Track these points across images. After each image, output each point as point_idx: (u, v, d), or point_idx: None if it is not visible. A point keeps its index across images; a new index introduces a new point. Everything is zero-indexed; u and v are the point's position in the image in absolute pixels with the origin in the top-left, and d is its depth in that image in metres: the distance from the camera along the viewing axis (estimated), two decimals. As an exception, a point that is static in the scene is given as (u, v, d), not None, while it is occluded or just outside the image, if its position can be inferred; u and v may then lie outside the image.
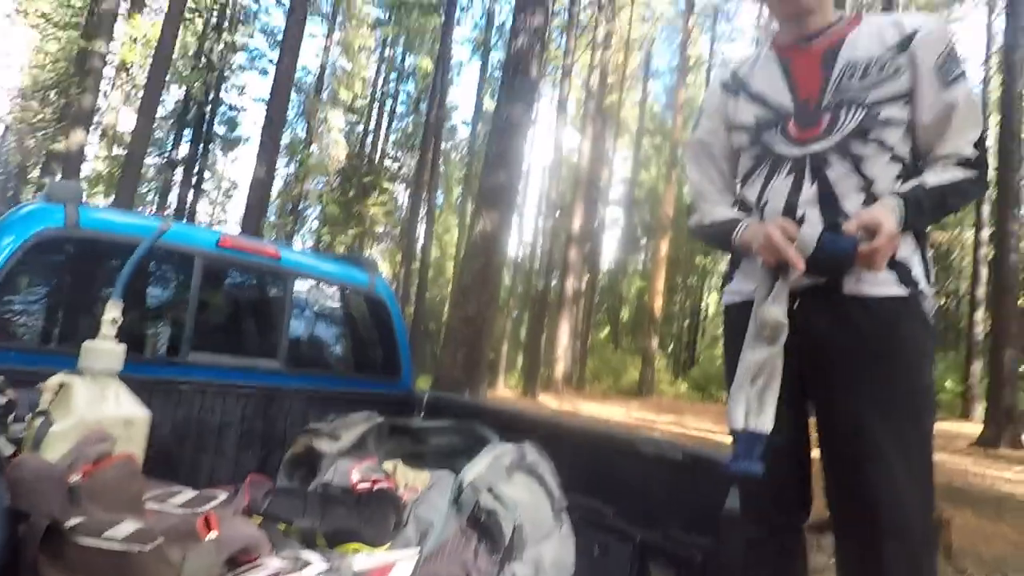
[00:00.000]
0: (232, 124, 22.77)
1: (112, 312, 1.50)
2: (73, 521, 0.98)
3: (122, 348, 1.49)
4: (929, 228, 1.26)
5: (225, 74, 20.38)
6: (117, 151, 17.75)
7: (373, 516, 1.19)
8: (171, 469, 1.57)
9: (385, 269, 26.86)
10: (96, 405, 1.40)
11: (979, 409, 13.71)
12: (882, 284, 1.13)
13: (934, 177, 1.14)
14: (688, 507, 1.52)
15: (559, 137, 18.57)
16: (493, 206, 7.88)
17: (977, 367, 15.55)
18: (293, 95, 16.97)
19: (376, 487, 1.27)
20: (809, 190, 1.19)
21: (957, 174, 1.14)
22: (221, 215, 29.45)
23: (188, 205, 21.76)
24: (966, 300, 19.96)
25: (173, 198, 22.77)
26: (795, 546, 1.25)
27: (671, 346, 26.06)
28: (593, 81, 18.61)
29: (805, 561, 1.25)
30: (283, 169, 23.70)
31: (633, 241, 29.97)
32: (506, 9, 19.61)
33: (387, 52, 25.05)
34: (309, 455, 1.48)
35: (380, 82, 25.83)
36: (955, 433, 13.22)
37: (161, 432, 1.56)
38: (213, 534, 1.09)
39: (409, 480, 1.29)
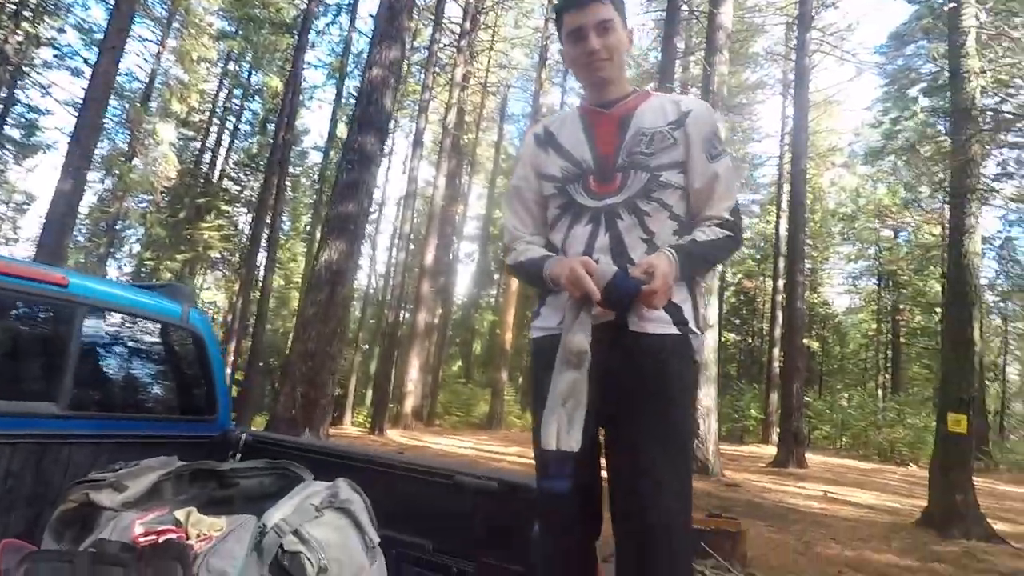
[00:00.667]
0: (31, 128, 19.66)
1: None
2: None
3: None
4: (702, 279, 1.49)
5: (24, 70, 17.63)
6: None
7: (155, 571, 1.09)
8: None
9: (220, 299, 24.60)
10: None
11: (775, 434, 15.76)
12: (659, 323, 1.32)
13: (702, 235, 1.38)
14: (503, 534, 1.59)
15: (414, 171, 18.64)
16: (340, 236, 7.67)
17: (775, 398, 17.91)
18: (113, 101, 15.19)
19: (162, 539, 1.16)
20: (603, 238, 1.37)
21: (719, 233, 1.39)
22: (10, 232, 25.10)
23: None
24: (767, 340, 23.14)
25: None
26: (590, 558, 1.37)
27: (520, 379, 26.89)
28: (450, 119, 19.09)
29: (595, 568, 1.38)
30: (97, 184, 20.94)
31: (486, 275, 30.72)
32: (365, 39, 19.47)
33: (231, 66, 23.51)
34: (84, 510, 1.29)
35: (222, 97, 24.11)
36: (757, 455, 15.14)
37: None
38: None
39: (203, 528, 1.19)
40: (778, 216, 21.48)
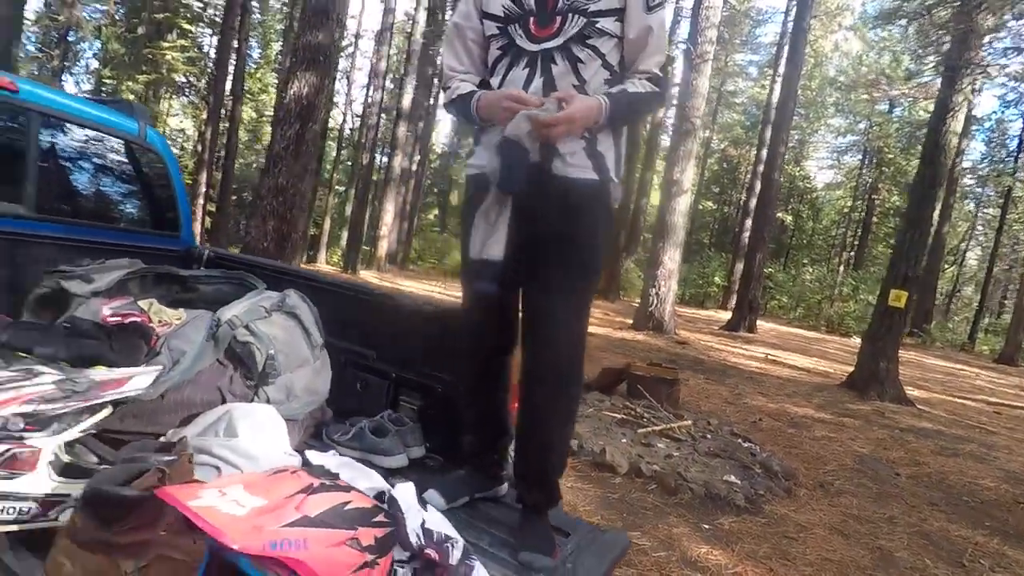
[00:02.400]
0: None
1: None
2: None
3: None
4: (627, 130, 1.57)
5: None
6: None
7: (123, 347, 1.27)
8: None
9: (187, 126, 23.51)
10: None
11: (734, 301, 16.56)
12: (581, 169, 1.42)
13: (632, 87, 1.43)
14: (435, 349, 1.82)
15: (392, 0, 17.10)
16: (310, 67, 7.27)
17: (739, 267, 18.53)
18: None
19: (128, 320, 1.34)
20: (537, 82, 1.42)
21: (647, 86, 1.44)
22: (-49, 33, 22.85)
23: None
24: (742, 211, 23.40)
25: None
26: (504, 371, 1.60)
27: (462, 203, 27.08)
28: (435, -59, 17.14)
29: (509, 382, 1.61)
30: (42, -14, 18.82)
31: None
32: None
33: None
34: (56, 295, 1.46)
35: None
36: (713, 319, 16.10)
37: None
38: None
39: (164, 316, 1.37)
40: (773, 80, 20.61)
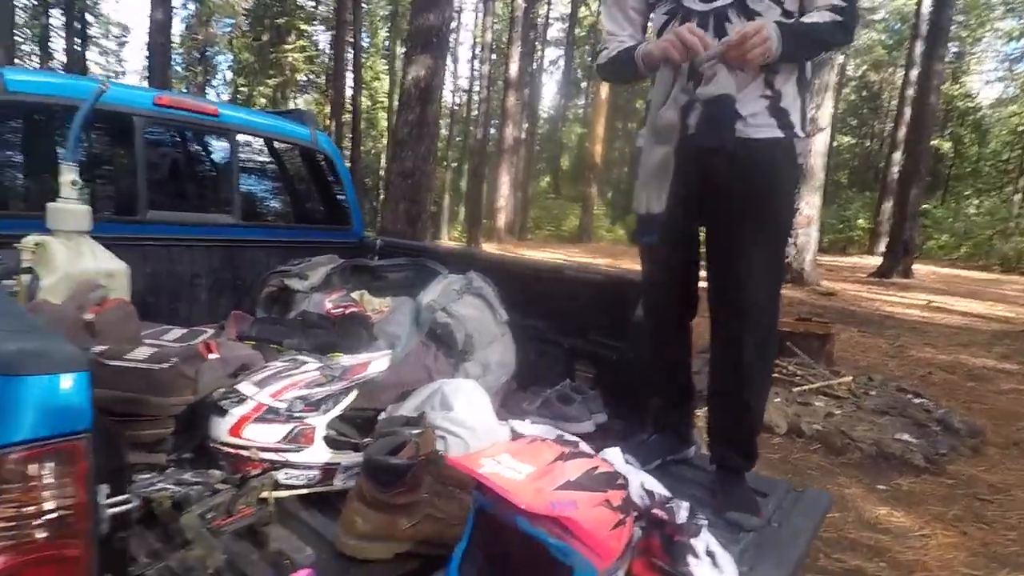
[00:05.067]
0: (111, -45, 19.41)
1: (69, 175, 1.56)
2: (98, 348, 1.18)
3: (87, 208, 1.58)
4: (809, 72, 1.46)
5: None
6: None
7: (349, 334, 1.45)
8: (152, 317, 1.75)
9: (313, 123, 25.22)
10: (76, 261, 1.53)
11: (882, 245, 14.92)
12: (764, 128, 1.36)
13: (808, 18, 1.33)
14: (606, 319, 1.85)
15: (492, -32, 16.98)
16: (425, 50, 7.48)
17: (887, 206, 16.60)
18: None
19: (348, 311, 1.51)
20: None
21: (826, 16, 1.32)
22: (117, 66, 26.25)
23: (77, 56, 19.13)
24: (888, 143, 20.88)
25: (56, 48, 19.96)
26: (684, 335, 1.60)
27: (610, 193, 26.56)
28: (528, -101, 16.70)
29: (690, 346, 1.62)
30: (180, 11, 20.92)
31: (573, 85, 28.99)
32: None
33: None
34: (282, 293, 1.70)
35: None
36: (858, 266, 14.69)
37: (135, 285, 1.71)
38: (214, 355, 1.33)
39: (375, 306, 1.54)
40: None
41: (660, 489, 1.12)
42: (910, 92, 15.76)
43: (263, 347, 1.41)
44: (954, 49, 22.13)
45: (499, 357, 1.65)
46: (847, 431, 3.44)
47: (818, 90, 9.70)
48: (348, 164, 16.68)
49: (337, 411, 1.16)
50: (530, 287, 2.00)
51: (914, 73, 15.40)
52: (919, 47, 15.06)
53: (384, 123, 24.11)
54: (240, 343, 1.44)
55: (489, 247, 15.70)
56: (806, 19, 1.33)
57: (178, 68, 20.98)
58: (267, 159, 2.43)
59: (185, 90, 20.80)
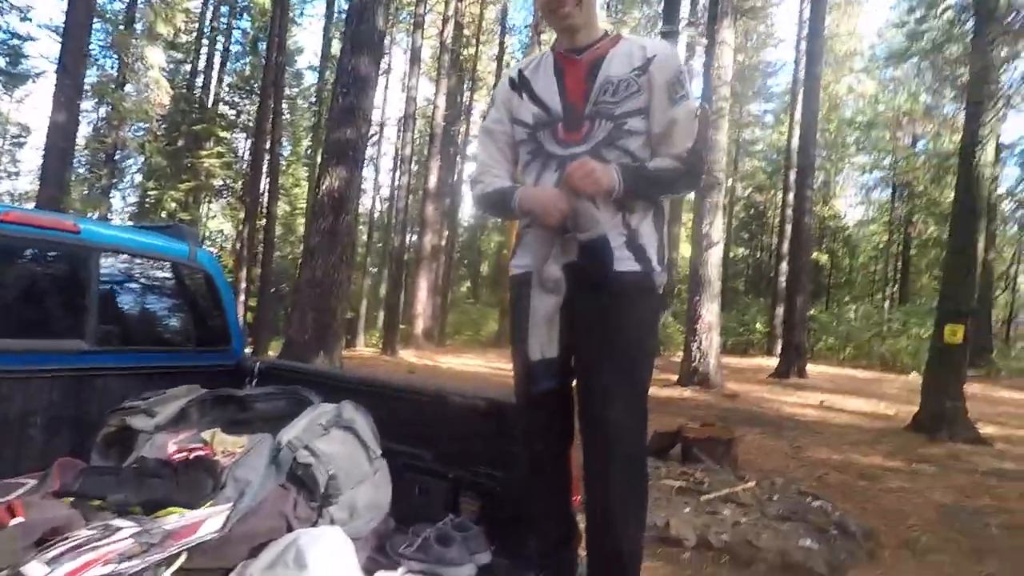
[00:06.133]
0: (16, 55, 19.04)
1: None
2: None
3: None
4: (655, 207, 1.57)
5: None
6: None
7: (190, 483, 1.28)
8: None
9: (227, 227, 24.73)
10: None
11: (779, 346, 16.05)
12: (624, 262, 1.43)
13: (653, 164, 1.46)
14: (491, 447, 1.78)
15: (413, 90, 18.10)
16: (340, 162, 7.64)
17: (779, 311, 18.05)
18: (97, 25, 14.64)
19: (193, 455, 1.35)
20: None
21: (669, 164, 1.46)
22: (10, 166, 24.95)
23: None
24: (775, 255, 23.07)
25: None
26: (564, 466, 1.56)
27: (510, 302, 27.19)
28: (448, 33, 18.28)
29: (571, 479, 1.57)
30: (90, 113, 20.52)
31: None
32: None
33: (216, -18, 22.36)
34: (123, 433, 1.50)
35: (209, 16, 23.08)
36: (760, 367, 15.57)
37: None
38: (17, 520, 1.12)
39: (227, 446, 1.39)
40: (791, 127, 20.75)
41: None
42: (789, 212, 17.82)
43: (84, 505, 1.21)
44: (821, 178, 25.50)
45: (369, 498, 1.52)
46: (753, 540, 3.42)
47: (709, 209, 10.70)
48: (259, 270, 16.26)
49: (153, 587, 0.99)
50: (413, 414, 1.91)
51: (791, 196, 17.53)
52: (792, 175, 17.31)
53: (303, 229, 23.95)
54: (57, 501, 1.23)
55: (407, 354, 15.37)
56: (652, 165, 1.45)
57: (80, 170, 20.17)
58: (136, 278, 2.27)
59: (86, 192, 19.88)
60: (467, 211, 30.28)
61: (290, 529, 1.34)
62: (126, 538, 1.01)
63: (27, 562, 0.96)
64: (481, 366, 12.96)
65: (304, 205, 23.97)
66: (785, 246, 18.91)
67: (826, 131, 24.94)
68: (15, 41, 18.75)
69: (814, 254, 22.13)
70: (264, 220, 15.92)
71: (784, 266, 18.74)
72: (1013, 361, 20.11)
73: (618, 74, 1.45)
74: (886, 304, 26.49)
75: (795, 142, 17.36)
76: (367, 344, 18.90)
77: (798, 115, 17.55)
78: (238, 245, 19.07)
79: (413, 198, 21.96)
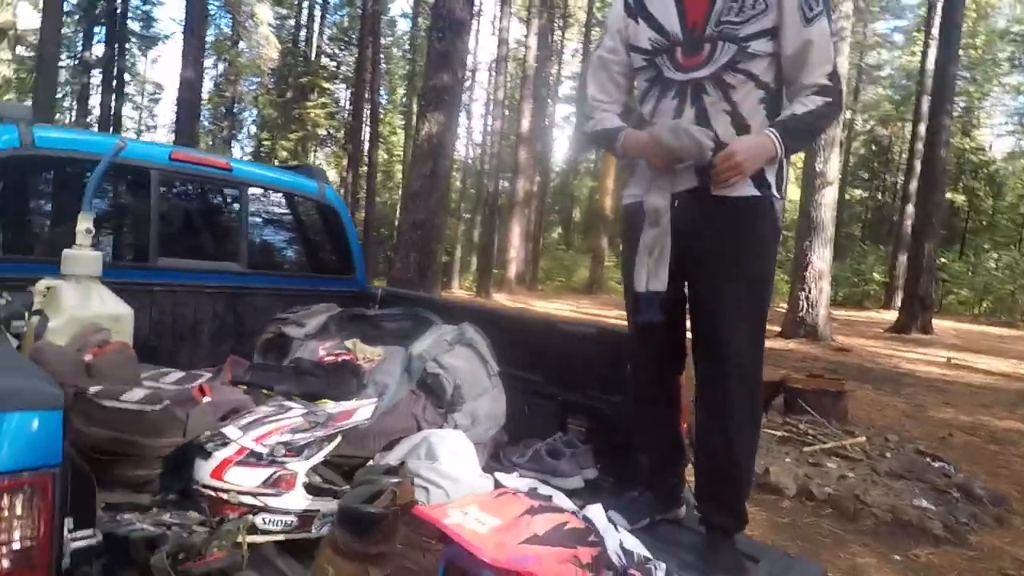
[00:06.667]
0: (148, 20, 20.72)
1: (84, 223, 1.65)
2: (94, 388, 1.22)
3: (99, 254, 1.66)
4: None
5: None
6: (21, 51, 16.06)
7: (339, 381, 1.48)
8: (155, 360, 1.80)
9: (332, 174, 26.02)
10: (84, 304, 1.60)
11: (899, 299, 14.67)
12: (741, 186, 1.40)
13: (800, 107, 1.39)
14: (600, 372, 1.86)
15: (504, 31, 17.78)
16: (438, 108, 7.77)
17: (902, 259, 16.33)
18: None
19: (340, 359, 1.55)
20: (688, 112, 1.43)
21: (817, 101, 1.38)
22: (149, 120, 27.52)
23: (112, 111, 20.14)
24: (900, 196, 20.85)
25: (94, 104, 21.02)
26: (674, 392, 1.61)
27: (621, 246, 26.66)
28: (541, -32, 17.65)
29: (680, 404, 1.61)
30: (211, 70, 22.03)
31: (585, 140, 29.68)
32: None
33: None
34: (279, 339, 1.75)
35: (308, -30, 23.66)
36: (876, 320, 14.44)
37: (141, 328, 1.77)
38: (207, 399, 1.36)
39: (367, 354, 1.58)
40: (926, 44, 17.71)
41: (640, 549, 1.11)
42: (919, 146, 15.73)
43: (255, 392, 1.44)
44: (962, 103, 22.37)
45: (488, 409, 1.67)
46: (861, 495, 3.30)
47: (824, 145, 9.84)
48: (363, 214, 17.12)
49: (319, 457, 1.18)
50: (524, 340, 2.02)
51: (922, 128, 15.42)
52: (926, 102, 15.22)
53: (400, 175, 24.75)
54: (234, 388, 1.47)
55: (500, 297, 15.78)
56: (799, 110, 1.39)
57: (206, 123, 21.91)
58: (276, 211, 2.54)
59: (211, 143, 21.64)
60: (560, 156, 29.86)
61: (420, 429, 1.51)
62: (297, 416, 1.21)
63: (225, 426, 1.18)
64: (574, 310, 13.07)
65: (400, 153, 24.68)
66: (913, 185, 16.81)
67: (971, 47, 21.56)
68: (147, 7, 20.36)
69: (949, 193, 19.68)
70: (366, 167, 16.59)
71: (910, 208, 16.79)
72: None
73: None
74: (1035, 253, 23.21)
75: (931, 63, 14.98)
76: (461, 287, 19.55)
77: (935, 30, 15.18)
78: (342, 191, 20.10)
79: (505, 143, 21.92)
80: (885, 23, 26.33)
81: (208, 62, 19.82)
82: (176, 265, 2.05)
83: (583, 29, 25.24)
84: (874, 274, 20.87)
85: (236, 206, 2.21)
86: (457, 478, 1.30)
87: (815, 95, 1.38)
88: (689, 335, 1.53)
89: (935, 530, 3.00)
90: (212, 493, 1.11)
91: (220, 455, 1.12)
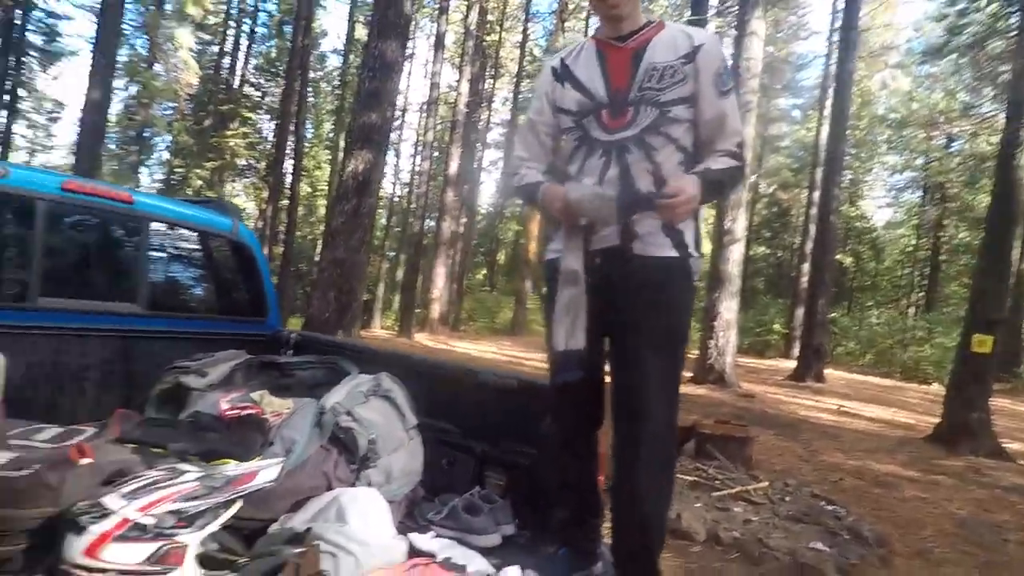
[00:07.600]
0: (52, 34, 19.42)
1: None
2: (-55, 454, 1.06)
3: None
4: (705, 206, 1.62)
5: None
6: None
7: (241, 438, 1.37)
8: (30, 412, 1.59)
9: (250, 206, 25.02)
10: (-57, 349, 1.40)
11: (797, 349, 15.81)
12: (660, 247, 1.47)
13: (715, 164, 1.48)
14: (519, 425, 1.84)
15: (436, 75, 18.11)
16: (365, 146, 7.71)
17: (799, 313, 17.67)
18: (128, 4, 14.85)
19: (244, 413, 1.44)
20: (613, 171, 1.49)
21: (729, 163, 1.49)
22: (45, 140, 25.46)
23: (3, 128, 18.49)
24: (798, 255, 22.67)
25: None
26: (592, 447, 1.61)
27: (544, 289, 27.15)
28: (472, 19, 18.23)
29: (598, 459, 1.62)
30: (122, 92, 20.84)
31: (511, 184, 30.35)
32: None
33: (245, -37, 22.49)
34: (177, 390, 1.60)
35: (236, -1, 23.26)
36: (776, 368, 15.37)
37: (14, 378, 1.57)
38: (86, 460, 1.21)
39: (275, 407, 1.47)
40: (819, 123, 20.16)
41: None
42: (814, 211, 17.44)
43: (145, 451, 1.30)
44: (849, 176, 24.94)
45: (404, 464, 1.60)
46: (764, 539, 3.44)
47: (732, 205, 10.60)
48: (281, 248, 16.49)
49: (215, 526, 1.07)
50: (443, 390, 1.97)
51: (816, 195, 17.16)
52: (819, 173, 16.95)
53: (323, 210, 24.18)
54: (120, 446, 1.33)
55: (422, 337, 15.51)
56: (714, 166, 1.47)
57: (112, 146, 20.56)
58: (184, 247, 2.37)
59: (116, 167, 20.28)
60: (486, 198, 30.31)
61: (330, 488, 1.42)
62: (192, 480, 1.10)
63: (105, 495, 1.05)
64: (495, 353, 13.04)
65: (325, 187, 24.17)
66: (809, 245, 18.43)
67: (856, 128, 24.29)
68: (51, 20, 19.10)
69: (838, 255, 21.72)
70: (287, 200, 16.09)
71: (806, 266, 18.30)
72: (1044, 376, 19.56)
73: (663, 61, 1.48)
74: (911, 311, 25.92)
75: (823, 139, 16.92)
76: (383, 326, 19.09)
77: (828, 111, 17.13)
78: (260, 224, 19.31)
79: (433, 183, 22.01)
80: (786, 100, 29.22)
81: (118, 83, 18.76)
82: (60, 305, 1.84)
83: (514, 79, 26.19)
84: (775, 325, 22.41)
85: (137, 242, 2.04)
86: (367, 541, 1.22)
87: (727, 157, 1.49)
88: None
89: (829, 572, 3.15)
90: (84, 574, 0.97)
91: (96, 529, 0.99)
